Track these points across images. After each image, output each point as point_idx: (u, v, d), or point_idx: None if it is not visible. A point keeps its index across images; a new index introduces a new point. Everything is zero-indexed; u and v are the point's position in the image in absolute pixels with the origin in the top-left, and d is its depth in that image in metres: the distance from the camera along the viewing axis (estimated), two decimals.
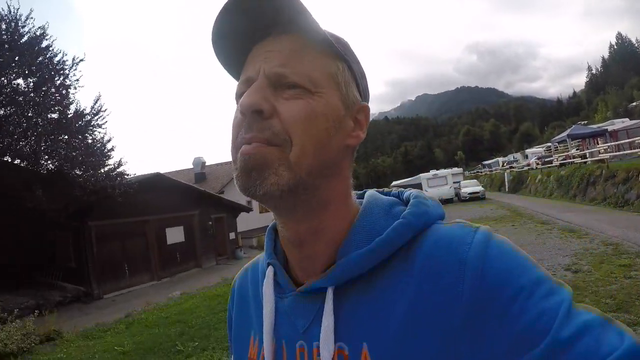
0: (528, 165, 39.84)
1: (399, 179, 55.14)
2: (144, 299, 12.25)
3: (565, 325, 0.47)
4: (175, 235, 16.76)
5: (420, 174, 41.73)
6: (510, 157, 62.17)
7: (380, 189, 0.74)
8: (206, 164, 28.66)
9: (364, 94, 0.66)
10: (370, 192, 0.70)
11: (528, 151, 54.80)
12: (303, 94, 0.57)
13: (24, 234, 14.20)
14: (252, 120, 0.56)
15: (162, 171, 16.84)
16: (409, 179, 45.27)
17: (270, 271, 0.70)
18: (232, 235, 20.44)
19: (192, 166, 28.52)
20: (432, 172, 41.78)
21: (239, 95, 0.61)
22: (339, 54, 0.61)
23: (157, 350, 7.40)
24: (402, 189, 0.72)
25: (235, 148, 0.58)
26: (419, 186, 35.66)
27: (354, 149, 0.65)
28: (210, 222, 18.79)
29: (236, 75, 0.66)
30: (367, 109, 0.65)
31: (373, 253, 0.57)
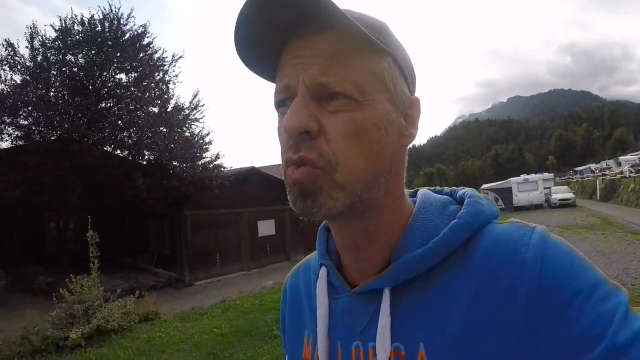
0: (621, 173, 38.35)
1: (488, 183, 52.99)
2: (234, 288, 12.36)
3: (622, 329, 0.46)
4: (266, 228, 16.95)
5: (511, 178, 40.23)
6: (603, 164, 59.40)
7: (433, 187, 0.72)
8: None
9: (412, 83, 0.61)
10: (423, 192, 0.68)
11: (622, 158, 52.78)
12: (349, 106, 0.53)
13: (121, 221, 14.86)
14: (299, 141, 0.53)
15: (258, 166, 17.08)
16: (499, 182, 43.81)
17: (323, 272, 0.68)
18: None
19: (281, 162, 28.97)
20: (523, 176, 40.38)
21: (278, 104, 0.58)
22: (383, 49, 0.55)
23: (254, 334, 7.27)
24: (455, 187, 0.70)
25: (286, 164, 0.55)
26: (509, 190, 36.15)
27: (406, 148, 0.62)
28: (302, 217, 18.84)
29: (259, 67, 0.60)
30: (418, 102, 0.61)
31: (430, 254, 0.56)
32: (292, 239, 18.10)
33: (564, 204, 32.08)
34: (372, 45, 0.53)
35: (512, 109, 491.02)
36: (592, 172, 56.63)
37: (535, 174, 45.47)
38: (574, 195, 34.27)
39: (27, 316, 7.88)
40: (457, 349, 0.52)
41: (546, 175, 44.15)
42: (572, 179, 66.55)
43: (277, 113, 0.60)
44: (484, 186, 45.36)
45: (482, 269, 0.53)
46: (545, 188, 36.56)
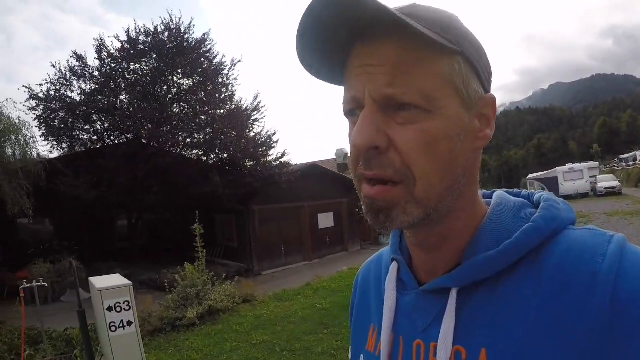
0: None
1: (531, 173, 52.43)
2: (299, 276, 13.10)
3: None
4: (326, 220, 17.66)
5: (557, 168, 39.98)
6: None
7: (510, 190, 0.70)
8: (348, 155, 29.39)
9: (486, 80, 0.58)
10: (499, 193, 0.67)
11: None
12: (419, 116, 0.51)
13: (190, 217, 15.84)
14: (369, 157, 0.54)
15: (306, 161, 17.75)
16: (545, 172, 43.50)
17: (394, 267, 0.70)
18: None
19: (334, 157, 29.54)
20: (569, 165, 40.02)
21: (347, 113, 0.59)
22: (453, 50, 0.52)
23: None
24: (533, 191, 0.68)
25: (357, 179, 0.58)
26: (555, 180, 35.82)
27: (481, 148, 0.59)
28: (357, 210, 19.44)
29: (322, 68, 0.60)
30: (493, 100, 0.58)
31: (501, 257, 0.55)
32: (349, 231, 18.79)
33: (610, 192, 31.97)
34: (441, 47, 0.51)
35: (554, 97, 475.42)
36: (635, 160, 54.87)
37: (580, 162, 44.91)
38: (619, 184, 33.78)
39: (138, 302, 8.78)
40: (519, 355, 0.50)
41: (591, 164, 44.04)
42: (618, 167, 64.16)
43: (347, 120, 0.60)
44: (530, 176, 45.24)
45: (553, 277, 0.51)
46: (590, 177, 36.41)
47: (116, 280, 5.42)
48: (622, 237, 0.52)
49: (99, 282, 5.30)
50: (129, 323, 5.12)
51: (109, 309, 5.02)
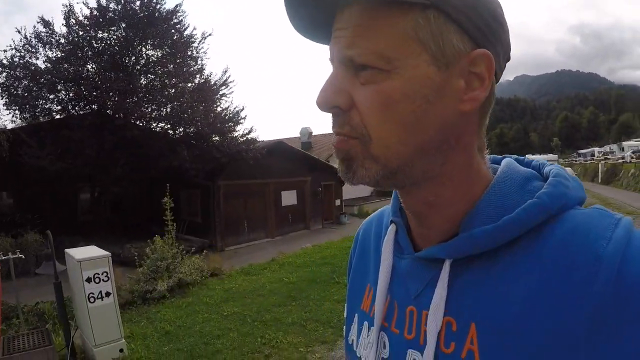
0: (623, 158, 38.58)
1: None
2: (263, 252, 13.38)
3: None
4: (289, 198, 17.92)
5: None
6: (607, 148, 59.05)
7: (521, 157, 0.68)
8: (313, 134, 29.79)
9: (480, 31, 0.51)
10: (508, 161, 0.64)
11: (625, 144, 52.20)
12: (377, 76, 0.50)
13: (156, 191, 15.74)
14: (333, 115, 0.55)
15: (272, 138, 17.87)
16: None
17: (392, 229, 0.69)
18: (337, 202, 21.45)
19: (299, 135, 29.71)
20: (528, 156, 41.11)
21: None
22: (421, 3, 0.48)
23: (319, 281, 8.44)
24: (544, 161, 0.66)
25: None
26: None
27: (477, 112, 0.55)
28: (320, 189, 19.79)
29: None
30: (486, 56, 0.51)
31: (498, 232, 0.52)
32: (312, 209, 19.13)
33: None
34: (402, 3, 0.48)
35: (518, 88, 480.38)
36: (593, 155, 56.48)
37: (540, 154, 46.44)
38: (576, 178, 35.17)
39: None
40: (510, 336, 0.49)
41: (550, 156, 45.68)
42: (576, 161, 66.22)
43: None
44: None
45: (554, 257, 0.49)
46: None
47: (94, 251, 5.52)
48: (629, 221, 0.50)
49: (78, 253, 5.39)
50: (107, 294, 5.27)
51: (88, 280, 5.14)
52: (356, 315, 0.75)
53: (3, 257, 5.17)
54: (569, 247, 0.48)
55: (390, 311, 0.65)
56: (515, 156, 0.68)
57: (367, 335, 0.69)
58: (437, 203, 0.57)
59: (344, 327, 0.80)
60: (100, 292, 5.20)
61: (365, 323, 0.71)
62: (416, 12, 0.48)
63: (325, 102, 0.53)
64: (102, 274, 5.23)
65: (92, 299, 5.14)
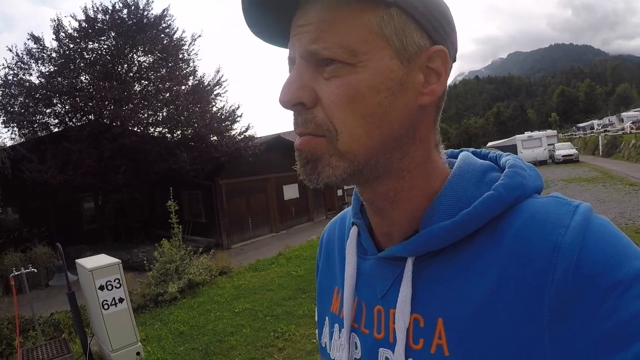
0: (623, 129, 37.64)
1: (491, 141, 54.09)
2: (269, 247, 13.48)
3: None
4: (291, 191, 18.03)
5: (516, 136, 41.05)
6: (606, 120, 58.39)
7: (478, 149, 0.68)
8: None
9: (435, 30, 0.53)
10: (464, 154, 0.64)
11: (624, 114, 51.29)
12: (342, 70, 0.50)
13: (158, 195, 15.84)
14: (296, 113, 0.54)
15: (270, 133, 17.93)
16: (504, 140, 44.74)
17: (354, 231, 0.69)
18: (339, 192, 21.57)
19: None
20: (527, 133, 41.11)
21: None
22: (385, 1, 0.50)
23: None
24: (501, 152, 0.66)
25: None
26: (514, 148, 36.03)
27: (434, 106, 0.56)
28: None
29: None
30: (443, 52, 0.53)
31: (457, 227, 0.52)
32: (314, 201, 19.30)
33: (568, 160, 32.80)
34: (366, 0, 0.49)
35: (512, 66, 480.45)
36: (592, 128, 55.65)
37: (539, 130, 46.41)
38: (576, 152, 34.83)
39: None
40: (476, 328, 0.49)
41: (549, 132, 45.40)
42: (575, 135, 64.86)
43: None
44: (489, 144, 46.47)
45: (513, 249, 0.49)
46: (549, 145, 37.43)
47: (104, 259, 5.63)
48: (587, 207, 0.50)
49: (89, 262, 5.50)
50: (120, 300, 5.38)
51: (101, 287, 5.24)
52: (327, 318, 0.75)
53: (16, 273, 5.28)
54: (526, 237, 0.49)
55: (359, 312, 0.65)
56: (472, 149, 0.68)
57: (339, 338, 0.69)
58: (397, 198, 0.58)
59: (317, 330, 0.81)
60: (114, 298, 5.31)
61: (336, 325, 0.71)
62: (380, 9, 0.50)
63: (289, 99, 0.53)
64: (114, 281, 5.34)
65: (106, 306, 5.25)
